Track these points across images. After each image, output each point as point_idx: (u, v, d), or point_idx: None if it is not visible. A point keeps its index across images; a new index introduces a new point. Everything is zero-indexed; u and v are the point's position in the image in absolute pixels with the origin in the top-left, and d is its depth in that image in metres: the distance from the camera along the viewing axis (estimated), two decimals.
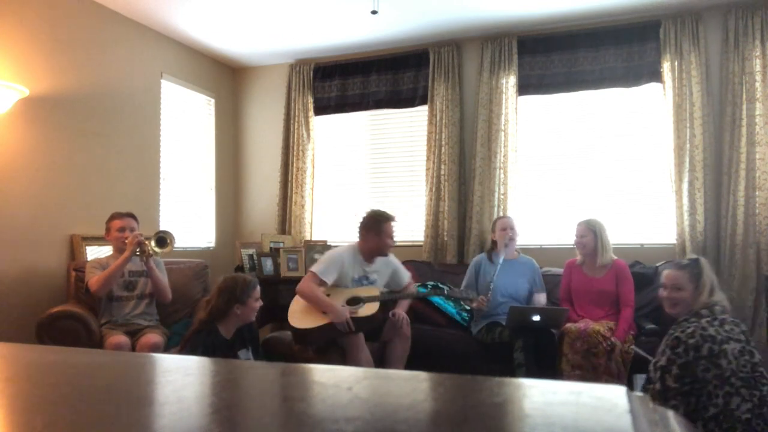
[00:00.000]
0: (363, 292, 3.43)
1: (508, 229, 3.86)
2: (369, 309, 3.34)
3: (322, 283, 3.35)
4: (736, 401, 2.06)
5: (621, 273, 3.59)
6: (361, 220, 3.56)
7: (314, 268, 3.40)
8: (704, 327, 2.18)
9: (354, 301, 3.38)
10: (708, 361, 2.11)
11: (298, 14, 4.38)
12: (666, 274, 2.48)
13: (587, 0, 4.15)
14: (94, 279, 3.27)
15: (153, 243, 3.36)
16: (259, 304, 2.87)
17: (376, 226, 3.47)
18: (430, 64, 4.86)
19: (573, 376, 3.23)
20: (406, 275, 3.70)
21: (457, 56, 4.83)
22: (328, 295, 3.38)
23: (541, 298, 3.82)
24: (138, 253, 3.35)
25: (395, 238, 3.55)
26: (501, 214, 4.53)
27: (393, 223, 3.51)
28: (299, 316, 3.36)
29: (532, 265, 3.91)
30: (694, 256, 2.45)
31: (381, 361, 3.50)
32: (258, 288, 2.87)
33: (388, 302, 3.52)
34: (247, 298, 2.79)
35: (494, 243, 3.96)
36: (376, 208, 3.69)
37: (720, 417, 2.05)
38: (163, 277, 3.49)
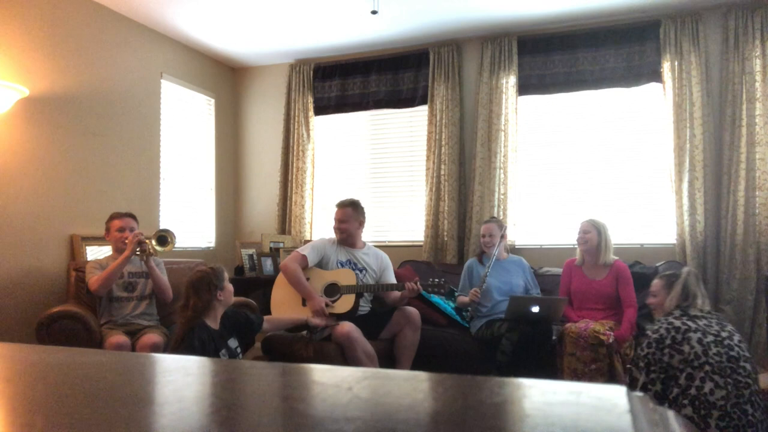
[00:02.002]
0: (342, 277, 3.50)
1: (486, 235, 3.86)
2: (345, 305, 3.42)
3: (303, 259, 3.53)
4: (709, 386, 2.19)
5: (621, 276, 3.58)
6: None
7: (298, 249, 3.64)
8: (671, 322, 2.38)
9: (331, 289, 3.47)
10: (671, 348, 2.31)
11: (298, 14, 4.38)
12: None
13: (587, 0, 4.15)
14: (94, 278, 3.27)
15: (154, 242, 3.37)
16: (231, 285, 2.96)
17: None
18: (430, 64, 4.86)
19: (588, 373, 3.23)
20: (391, 281, 3.69)
21: (457, 56, 4.83)
22: (307, 279, 3.51)
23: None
24: (138, 253, 3.35)
25: (342, 225, 3.69)
26: (500, 215, 4.53)
27: (340, 210, 3.68)
28: (282, 309, 3.50)
29: (523, 264, 3.94)
30: (686, 268, 2.64)
31: (391, 350, 3.53)
32: (225, 271, 2.97)
33: (376, 299, 3.59)
34: (224, 282, 2.87)
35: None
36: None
37: (696, 402, 2.18)
38: (164, 277, 3.49)
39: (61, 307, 3.28)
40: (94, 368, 0.74)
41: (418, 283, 3.45)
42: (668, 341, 2.32)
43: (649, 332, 2.43)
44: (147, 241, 3.35)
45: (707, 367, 2.22)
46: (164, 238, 3.40)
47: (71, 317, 3.19)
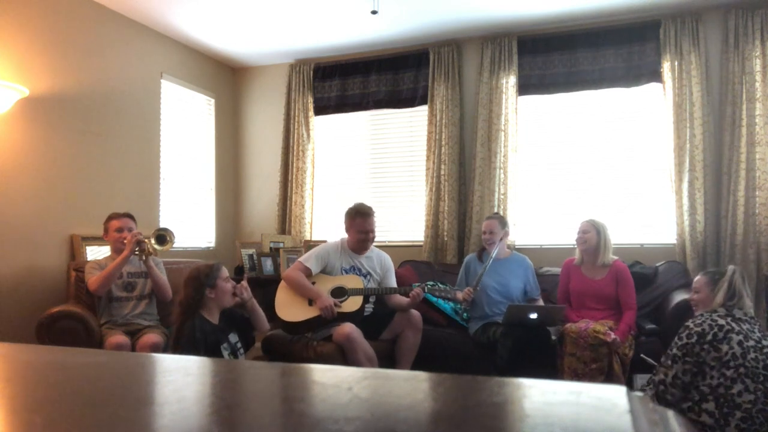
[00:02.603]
0: (348, 282, 3.48)
1: (487, 232, 3.81)
2: (353, 305, 3.40)
3: (306, 270, 3.46)
4: (738, 388, 2.17)
5: (621, 276, 3.57)
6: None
7: (300, 258, 3.57)
8: (714, 319, 2.35)
9: (339, 292, 3.44)
10: (710, 345, 2.28)
11: (298, 14, 4.38)
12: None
13: (587, 0, 4.15)
14: (93, 278, 3.27)
15: (153, 240, 3.36)
16: (230, 284, 2.91)
17: (349, 220, 3.58)
18: (430, 64, 4.86)
19: (588, 373, 3.22)
20: (392, 283, 3.69)
21: (457, 56, 4.83)
22: (313, 283, 3.47)
23: (539, 303, 3.81)
24: (137, 252, 3.35)
25: (374, 234, 3.58)
26: (501, 214, 4.52)
27: (371, 219, 3.53)
28: (287, 308, 3.44)
29: (525, 263, 3.88)
30: (732, 266, 2.59)
31: (391, 351, 3.54)
32: (223, 269, 2.91)
33: (379, 300, 3.57)
34: (215, 280, 2.82)
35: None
36: (360, 201, 3.71)
37: (720, 400, 2.16)
38: (163, 276, 3.49)
39: (61, 307, 3.28)
40: (94, 368, 0.74)
41: (426, 289, 3.44)
42: (709, 337, 2.29)
43: (690, 324, 2.39)
44: (146, 240, 3.35)
45: (741, 370, 2.20)
46: (163, 236, 3.39)
47: (71, 317, 3.19)
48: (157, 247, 3.36)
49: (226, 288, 2.88)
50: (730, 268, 2.55)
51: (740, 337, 2.26)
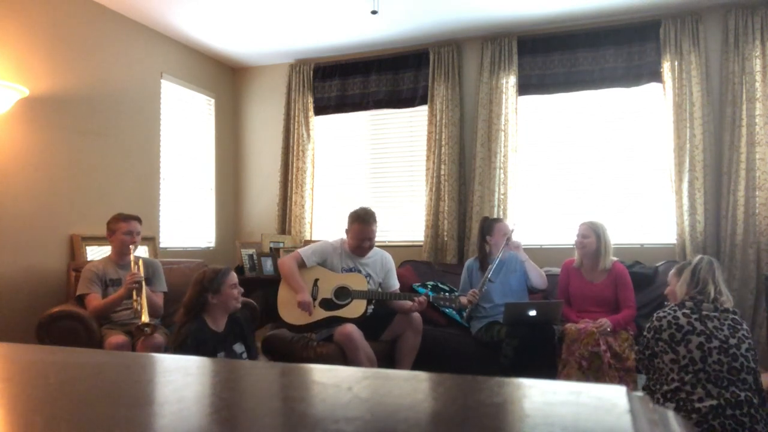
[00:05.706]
0: (352, 281, 3.48)
1: (509, 235, 3.81)
2: (356, 310, 3.40)
3: (301, 261, 3.51)
4: (700, 393, 2.14)
5: (620, 278, 3.57)
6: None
7: (299, 249, 3.62)
8: (677, 316, 2.30)
9: (342, 293, 3.44)
10: (666, 344, 2.26)
11: (298, 14, 4.38)
12: None
13: (587, 0, 4.15)
14: (92, 306, 3.22)
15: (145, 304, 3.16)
16: (237, 291, 2.82)
17: (349, 223, 3.59)
18: (430, 64, 4.86)
19: (586, 377, 3.22)
20: (395, 284, 3.70)
21: (457, 56, 4.83)
22: (317, 280, 3.49)
23: (533, 275, 3.80)
24: (133, 290, 3.21)
25: (372, 242, 3.55)
26: (500, 215, 4.53)
27: (370, 228, 3.48)
28: (288, 309, 3.45)
29: (518, 257, 3.88)
30: (701, 255, 2.54)
31: (391, 352, 3.54)
32: (231, 275, 2.82)
33: (379, 301, 3.57)
34: (220, 286, 2.74)
35: (483, 245, 3.90)
36: (364, 206, 3.69)
37: (681, 403, 2.14)
38: (157, 299, 3.41)
39: (61, 307, 3.27)
40: (94, 368, 0.74)
41: (430, 298, 3.43)
42: (665, 336, 2.25)
43: (654, 316, 2.36)
44: (143, 281, 3.22)
45: (702, 375, 2.14)
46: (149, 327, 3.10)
47: (71, 317, 3.19)
48: (143, 317, 3.10)
49: (232, 294, 2.79)
50: (698, 257, 2.49)
51: (701, 338, 2.18)
